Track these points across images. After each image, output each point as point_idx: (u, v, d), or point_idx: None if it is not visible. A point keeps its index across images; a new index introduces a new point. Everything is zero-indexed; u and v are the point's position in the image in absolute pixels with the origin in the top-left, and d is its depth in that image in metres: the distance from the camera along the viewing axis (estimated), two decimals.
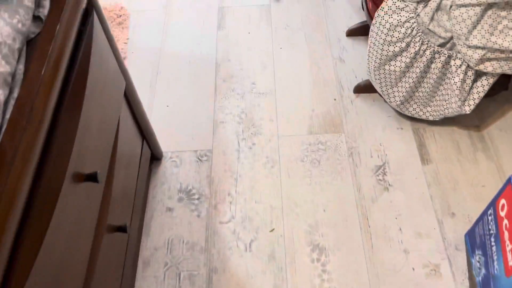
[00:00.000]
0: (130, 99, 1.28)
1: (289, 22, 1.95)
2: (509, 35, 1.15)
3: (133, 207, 1.32)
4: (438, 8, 1.20)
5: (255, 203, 1.45)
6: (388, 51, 1.32)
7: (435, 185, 1.46)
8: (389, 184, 1.47)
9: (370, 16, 1.36)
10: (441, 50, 1.29)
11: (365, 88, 1.66)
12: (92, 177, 0.87)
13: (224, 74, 1.80)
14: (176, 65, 1.84)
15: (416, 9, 1.22)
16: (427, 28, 1.24)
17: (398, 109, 1.52)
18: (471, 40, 1.19)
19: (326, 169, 1.51)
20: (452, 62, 1.30)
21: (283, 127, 1.63)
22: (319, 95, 1.70)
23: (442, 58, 1.30)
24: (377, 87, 1.47)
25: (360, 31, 1.85)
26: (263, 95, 1.72)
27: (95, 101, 0.97)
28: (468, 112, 1.37)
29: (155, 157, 1.54)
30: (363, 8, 1.59)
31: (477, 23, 1.16)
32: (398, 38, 1.28)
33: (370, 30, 1.34)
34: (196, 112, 1.69)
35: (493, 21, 1.14)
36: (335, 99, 1.69)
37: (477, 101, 1.35)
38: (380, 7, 1.28)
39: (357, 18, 1.93)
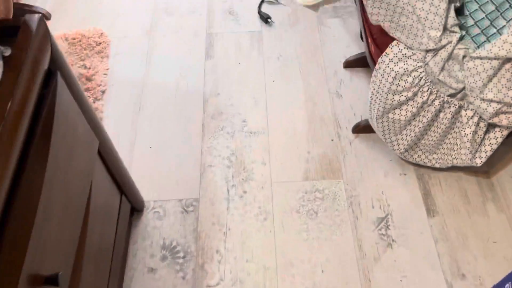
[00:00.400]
0: (106, 156, 1.13)
1: (282, 51, 1.82)
2: None
3: (111, 269, 1.18)
4: (450, 57, 1.08)
5: (247, 262, 1.32)
6: (393, 100, 1.19)
7: (443, 241, 1.34)
8: (392, 240, 1.34)
9: (373, 61, 1.24)
10: (451, 101, 1.16)
11: (364, 128, 1.54)
12: (52, 281, 0.74)
13: (212, 110, 1.66)
14: (161, 99, 1.70)
15: (425, 57, 1.10)
16: (437, 78, 1.12)
17: (401, 157, 1.40)
18: (486, 94, 1.07)
19: (324, 222, 1.38)
20: (463, 113, 1.18)
21: (277, 171, 1.50)
22: (315, 135, 1.58)
23: (452, 109, 1.18)
24: (379, 134, 1.34)
25: (358, 63, 1.72)
26: (254, 134, 1.59)
27: (60, 176, 0.83)
28: (479, 165, 1.25)
29: (136, 209, 1.40)
30: (361, 38, 1.46)
31: (493, 76, 1.03)
32: (404, 87, 1.16)
33: (373, 75, 1.22)
34: (181, 154, 1.55)
35: None
36: (332, 140, 1.56)
37: (489, 153, 1.23)
38: (384, 53, 1.15)
39: (354, 47, 1.81)
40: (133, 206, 1.36)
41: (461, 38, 1.08)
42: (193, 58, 1.81)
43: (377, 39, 1.23)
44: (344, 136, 1.57)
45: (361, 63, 1.71)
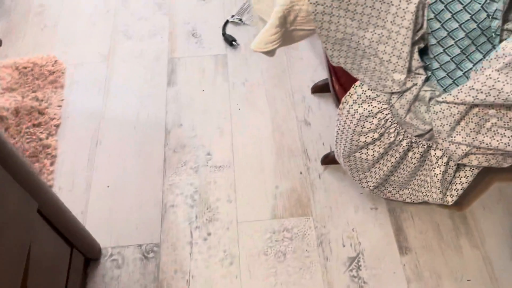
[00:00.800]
0: (49, 214, 1.04)
1: (248, 75, 1.74)
2: (498, 133, 0.97)
3: None
4: (416, 99, 1.01)
5: None
6: (358, 141, 1.13)
7: (416, 281, 1.28)
8: (364, 282, 1.28)
9: (337, 99, 1.17)
10: (419, 141, 1.11)
11: (333, 160, 1.46)
12: None
13: (174, 143, 1.57)
14: (120, 132, 1.60)
15: (390, 99, 1.04)
16: (403, 120, 1.05)
17: (372, 193, 1.34)
18: (454, 137, 1.01)
19: (292, 265, 1.31)
20: (432, 153, 1.12)
21: (243, 209, 1.42)
22: (283, 168, 1.50)
23: (421, 149, 1.12)
24: (347, 172, 1.28)
25: (327, 88, 1.65)
26: (219, 169, 1.51)
27: None
28: (450, 204, 1.20)
29: (92, 258, 1.31)
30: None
31: (461, 120, 0.98)
32: (369, 129, 1.09)
33: (338, 114, 1.15)
34: (142, 194, 1.46)
35: (480, 119, 0.96)
36: (301, 173, 1.49)
37: (460, 192, 1.18)
38: (348, 93, 1.08)
39: (322, 70, 1.74)
40: (87, 257, 1.27)
41: (427, 79, 1.02)
42: (154, 86, 1.72)
43: (341, 77, 1.16)
44: (313, 168, 1.50)
45: (329, 88, 1.64)
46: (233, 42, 1.81)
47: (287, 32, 0.95)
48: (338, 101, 1.17)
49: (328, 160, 1.48)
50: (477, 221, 1.38)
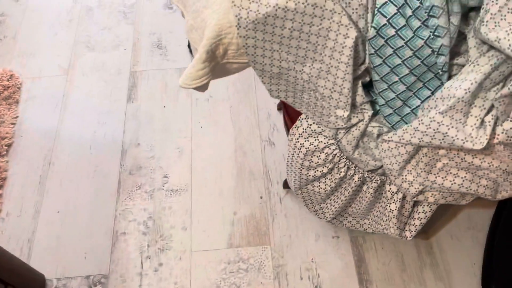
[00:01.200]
0: None
1: (213, 90, 1.66)
2: (450, 173, 0.89)
3: None
4: (363, 135, 0.94)
5: None
6: (308, 175, 1.05)
7: None
8: None
9: (288, 129, 1.09)
10: (372, 176, 1.03)
11: None
12: None
13: (130, 164, 1.50)
14: (74, 152, 1.53)
15: (337, 134, 0.96)
16: (352, 156, 0.98)
17: (331, 223, 1.26)
18: (405, 176, 0.93)
19: None
20: (387, 187, 1.04)
21: (198, 237, 1.35)
22: (243, 192, 1.43)
23: (374, 184, 1.04)
24: (302, 203, 1.20)
25: None
26: (176, 193, 1.44)
27: None
28: (409, 239, 1.12)
29: None
30: None
31: (411, 159, 0.90)
32: (317, 163, 1.01)
33: (288, 145, 1.07)
34: (93, 220, 1.39)
35: (430, 160, 0.88)
36: (261, 197, 1.42)
37: (419, 227, 1.10)
38: (294, 126, 1.00)
39: None
40: None
41: (376, 114, 0.94)
42: (114, 101, 1.64)
43: (288, 107, 1.08)
44: (274, 192, 1.43)
45: None
46: None
47: (219, 65, 0.87)
48: (288, 130, 1.09)
49: None
50: (444, 252, 1.30)
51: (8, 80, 1.66)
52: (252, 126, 1.57)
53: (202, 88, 0.87)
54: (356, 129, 0.92)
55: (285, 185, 1.42)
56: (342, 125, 0.91)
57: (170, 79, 1.70)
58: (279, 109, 1.60)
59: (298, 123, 1.00)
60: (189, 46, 1.76)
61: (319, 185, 1.08)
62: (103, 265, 1.31)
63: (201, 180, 1.46)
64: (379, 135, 0.93)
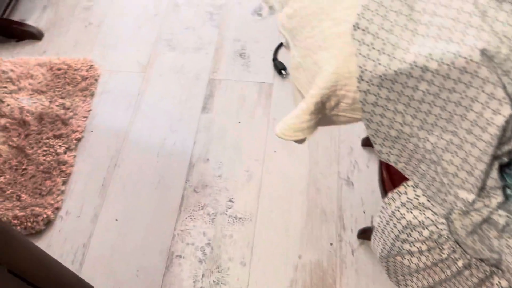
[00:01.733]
0: (26, 270, 0.91)
1: None
2: None
3: None
4: (485, 222, 0.77)
5: None
6: (401, 247, 0.90)
7: None
8: None
9: (384, 189, 0.94)
10: (480, 265, 0.85)
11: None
12: None
13: (196, 181, 1.41)
14: (140, 157, 1.46)
15: (450, 214, 0.79)
16: (463, 241, 0.81)
17: None
18: None
19: None
20: (496, 280, 0.87)
21: (256, 277, 1.24)
22: (311, 233, 1.30)
23: (481, 275, 0.87)
24: (384, 270, 1.05)
25: None
26: (239, 221, 1.33)
27: None
28: None
29: None
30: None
31: None
32: (417, 239, 0.86)
33: (381, 207, 0.92)
34: (150, 235, 1.31)
35: None
36: (331, 244, 1.28)
37: None
38: (396, 191, 0.85)
39: None
40: None
41: (507, 199, 0.76)
42: (188, 109, 1.56)
43: (392, 166, 0.93)
44: (347, 241, 1.28)
45: None
46: (282, 71, 1.60)
47: (326, 117, 0.73)
48: (384, 191, 0.94)
49: (367, 235, 1.25)
50: None
51: (87, 71, 1.62)
52: (331, 159, 1.42)
53: (302, 141, 0.74)
54: (477, 213, 0.76)
55: (360, 235, 1.27)
56: (461, 208, 0.75)
57: (249, 92, 1.59)
58: (363, 145, 1.44)
59: (402, 189, 0.84)
60: (274, 60, 1.64)
61: (411, 259, 0.93)
62: (154, 287, 1.23)
63: (268, 212, 1.34)
64: (505, 227, 0.75)
